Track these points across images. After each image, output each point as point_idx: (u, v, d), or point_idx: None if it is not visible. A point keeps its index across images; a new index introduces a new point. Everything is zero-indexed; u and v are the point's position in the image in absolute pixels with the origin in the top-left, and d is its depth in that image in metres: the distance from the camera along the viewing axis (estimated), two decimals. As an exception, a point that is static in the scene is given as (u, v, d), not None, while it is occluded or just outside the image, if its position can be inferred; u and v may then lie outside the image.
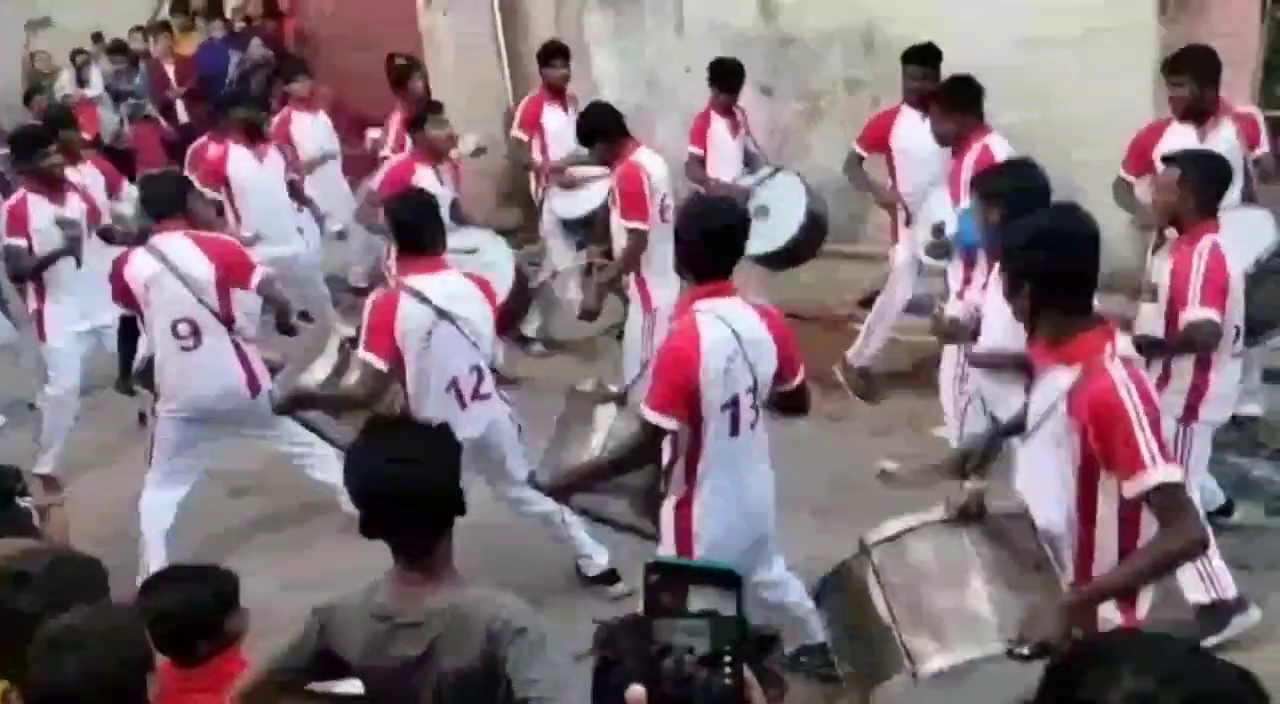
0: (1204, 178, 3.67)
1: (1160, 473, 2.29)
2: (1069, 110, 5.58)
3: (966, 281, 4.44)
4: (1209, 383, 3.66)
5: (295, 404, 3.96)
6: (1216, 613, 3.66)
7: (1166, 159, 3.90)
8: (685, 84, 7.06)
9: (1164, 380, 3.63)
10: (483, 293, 3.97)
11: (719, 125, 6.29)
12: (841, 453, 5.12)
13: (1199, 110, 4.63)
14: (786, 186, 5.95)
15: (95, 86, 10.11)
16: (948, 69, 5.48)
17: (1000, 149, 4.59)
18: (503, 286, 5.04)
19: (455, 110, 8.27)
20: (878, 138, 5.62)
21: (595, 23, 8.08)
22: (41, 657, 1.91)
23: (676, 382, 3.01)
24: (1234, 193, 4.51)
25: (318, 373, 3.97)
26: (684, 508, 3.13)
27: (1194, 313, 3.52)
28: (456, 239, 4.64)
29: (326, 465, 4.46)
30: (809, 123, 7.28)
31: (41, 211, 5.25)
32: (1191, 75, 4.61)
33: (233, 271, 4.40)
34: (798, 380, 3.26)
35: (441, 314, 3.73)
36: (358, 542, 2.27)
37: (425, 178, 5.60)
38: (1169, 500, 2.32)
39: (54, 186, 5.30)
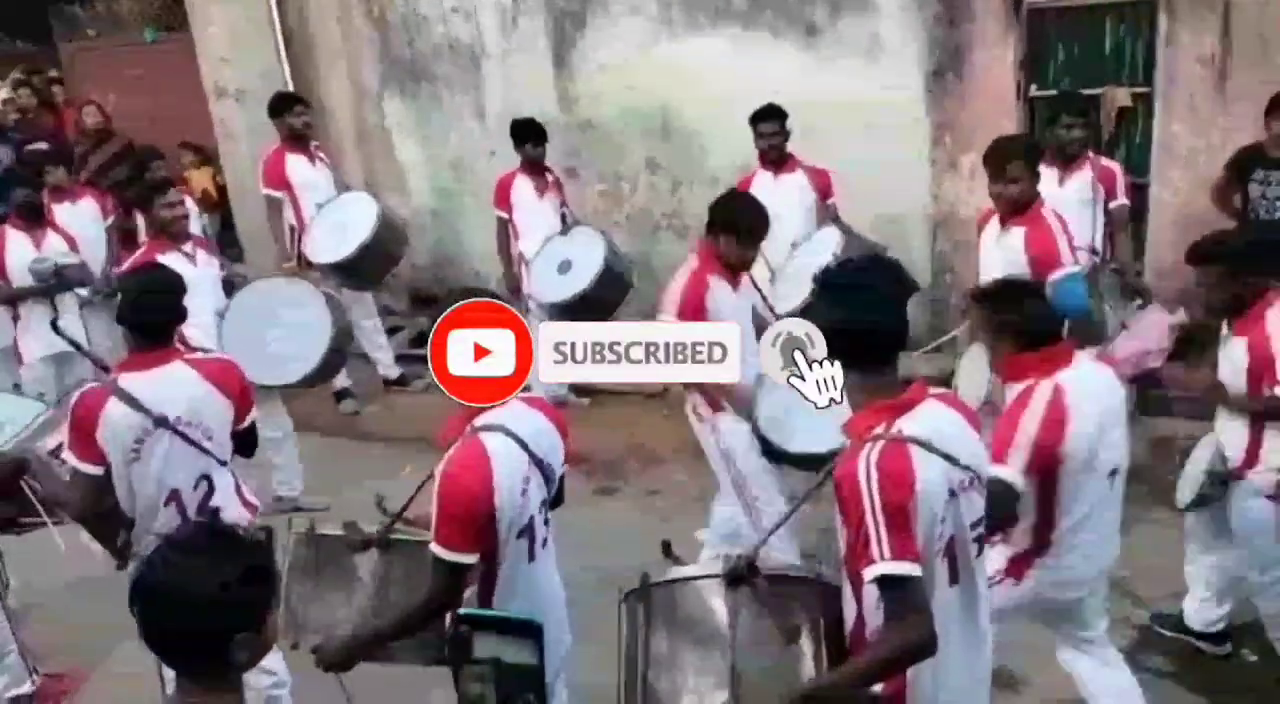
0: (1252, 260, 3.57)
1: (883, 566, 2.16)
2: (853, 184, 5.92)
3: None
4: None
5: (19, 471, 3.47)
6: None
7: (1205, 257, 3.62)
8: (491, 169, 7.11)
9: (1252, 459, 3.58)
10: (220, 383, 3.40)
11: (524, 184, 6.29)
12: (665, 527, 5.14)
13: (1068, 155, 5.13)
14: (587, 239, 6.01)
15: None
16: (745, 149, 5.74)
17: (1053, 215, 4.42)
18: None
19: (251, 201, 8.11)
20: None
21: (396, 111, 8.06)
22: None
23: (468, 515, 2.58)
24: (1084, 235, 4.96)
25: (50, 442, 3.56)
26: None
27: None
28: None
29: None
30: (612, 203, 7.45)
31: None
32: None
33: None
34: (563, 469, 2.91)
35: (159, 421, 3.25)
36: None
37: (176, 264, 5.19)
38: (893, 597, 2.18)
39: None
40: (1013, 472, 2.90)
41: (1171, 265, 6.01)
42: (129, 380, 3.28)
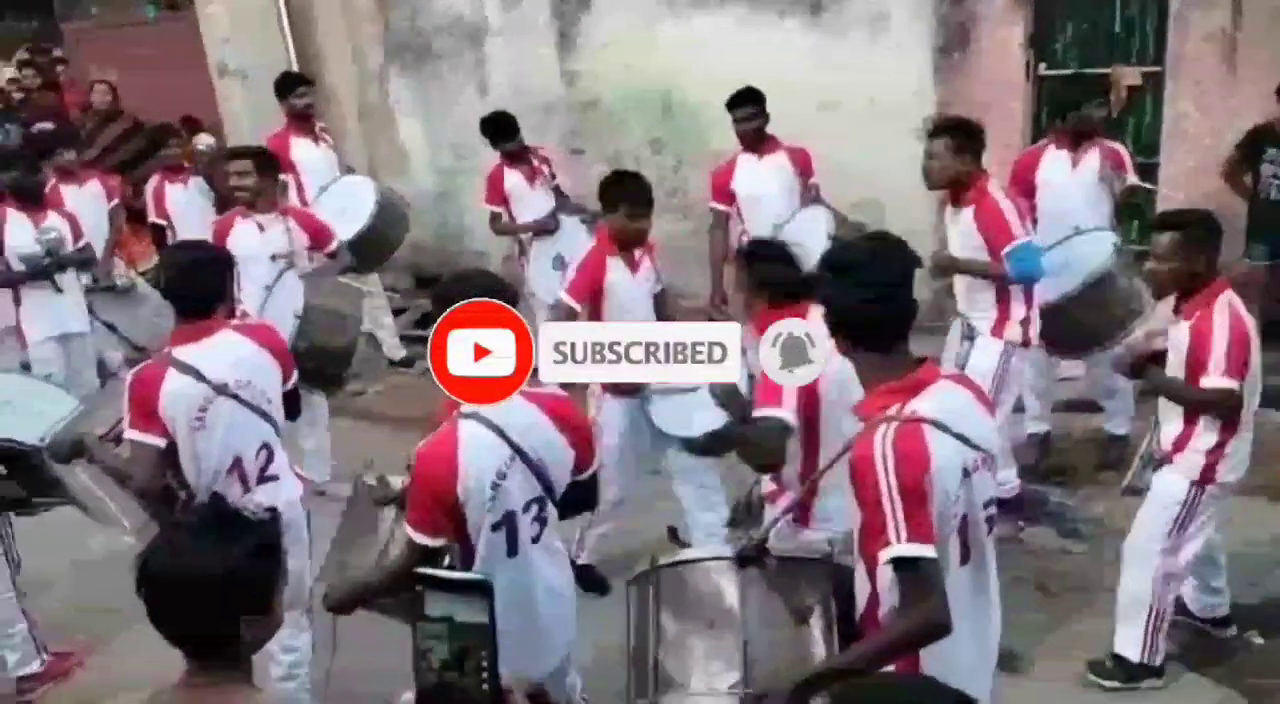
0: (1208, 234, 3.53)
1: (899, 547, 2.16)
2: (859, 162, 5.90)
3: (1005, 318, 4.44)
4: (1230, 444, 3.54)
5: (75, 454, 3.51)
6: (1133, 670, 3.73)
7: (1159, 225, 3.65)
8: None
9: (1185, 440, 3.58)
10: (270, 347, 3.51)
11: (514, 177, 6.28)
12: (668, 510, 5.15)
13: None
14: (575, 230, 5.98)
15: None
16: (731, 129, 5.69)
17: (999, 191, 4.47)
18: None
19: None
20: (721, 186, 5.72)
21: (398, 90, 8.02)
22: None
23: (432, 498, 2.61)
24: (1099, 217, 4.97)
25: (98, 429, 3.57)
26: None
27: (1216, 380, 3.41)
28: None
29: None
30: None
31: None
32: None
33: None
34: (590, 470, 2.88)
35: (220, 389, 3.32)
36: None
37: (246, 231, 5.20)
38: (908, 578, 2.18)
39: None
40: (788, 411, 3.03)
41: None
42: (183, 352, 3.32)
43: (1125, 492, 3.87)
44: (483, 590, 1.56)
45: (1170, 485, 3.63)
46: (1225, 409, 3.48)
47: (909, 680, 1.81)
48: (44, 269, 5.69)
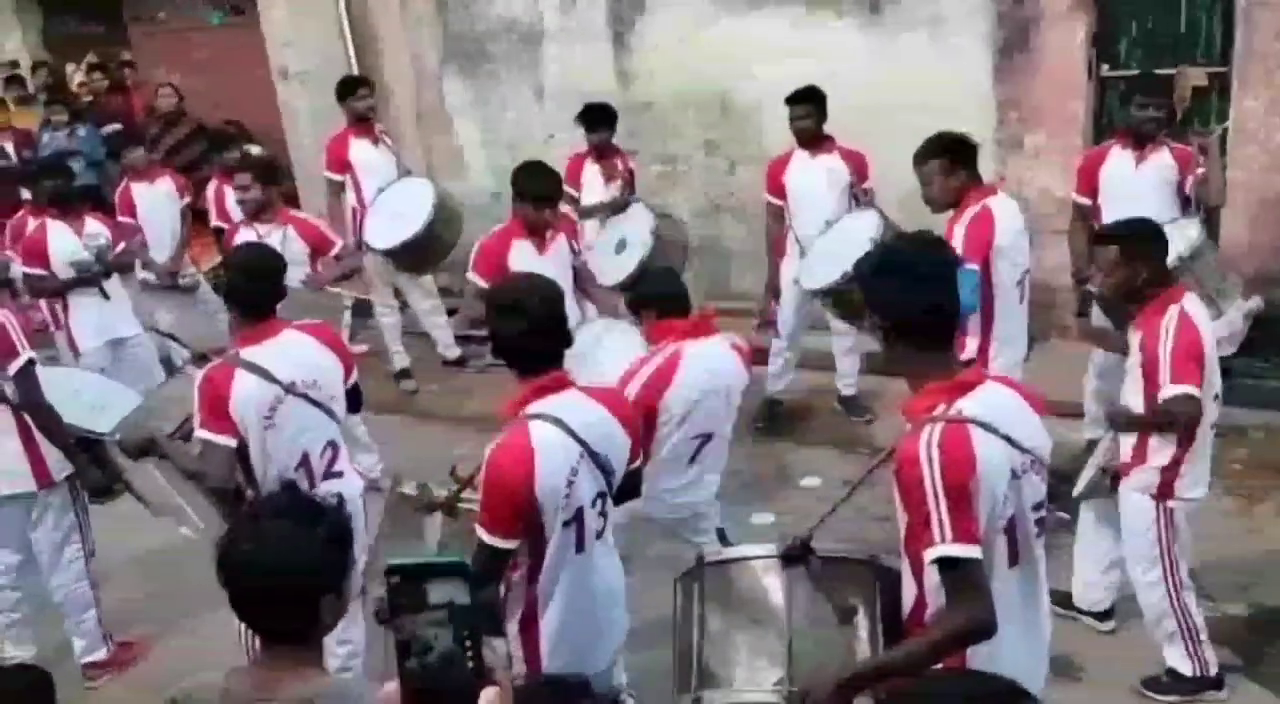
0: (1149, 245, 3.48)
1: (943, 548, 2.14)
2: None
3: (959, 347, 4.33)
4: (1185, 458, 3.47)
5: (144, 451, 3.59)
6: (1191, 685, 3.68)
7: (1100, 237, 3.67)
8: (548, 150, 7.11)
9: (1140, 457, 3.53)
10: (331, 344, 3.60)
11: (591, 170, 6.32)
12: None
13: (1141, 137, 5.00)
14: (638, 216, 5.99)
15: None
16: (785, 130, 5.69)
17: (1002, 210, 4.26)
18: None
19: (314, 182, 8.24)
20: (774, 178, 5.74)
21: (455, 91, 8.11)
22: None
23: (508, 501, 2.60)
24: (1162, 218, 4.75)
25: (167, 426, 3.63)
26: (529, 629, 2.74)
27: (1170, 389, 3.36)
28: None
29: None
30: (669, 184, 7.42)
31: None
32: None
33: None
34: (636, 463, 2.92)
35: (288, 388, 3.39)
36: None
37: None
38: (953, 578, 2.17)
39: None
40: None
41: (1247, 246, 5.85)
42: (250, 353, 3.39)
43: (1081, 496, 3.82)
44: (462, 572, 1.60)
45: (1137, 509, 3.58)
46: (1188, 416, 3.38)
47: (958, 675, 1.79)
48: (92, 275, 5.71)
